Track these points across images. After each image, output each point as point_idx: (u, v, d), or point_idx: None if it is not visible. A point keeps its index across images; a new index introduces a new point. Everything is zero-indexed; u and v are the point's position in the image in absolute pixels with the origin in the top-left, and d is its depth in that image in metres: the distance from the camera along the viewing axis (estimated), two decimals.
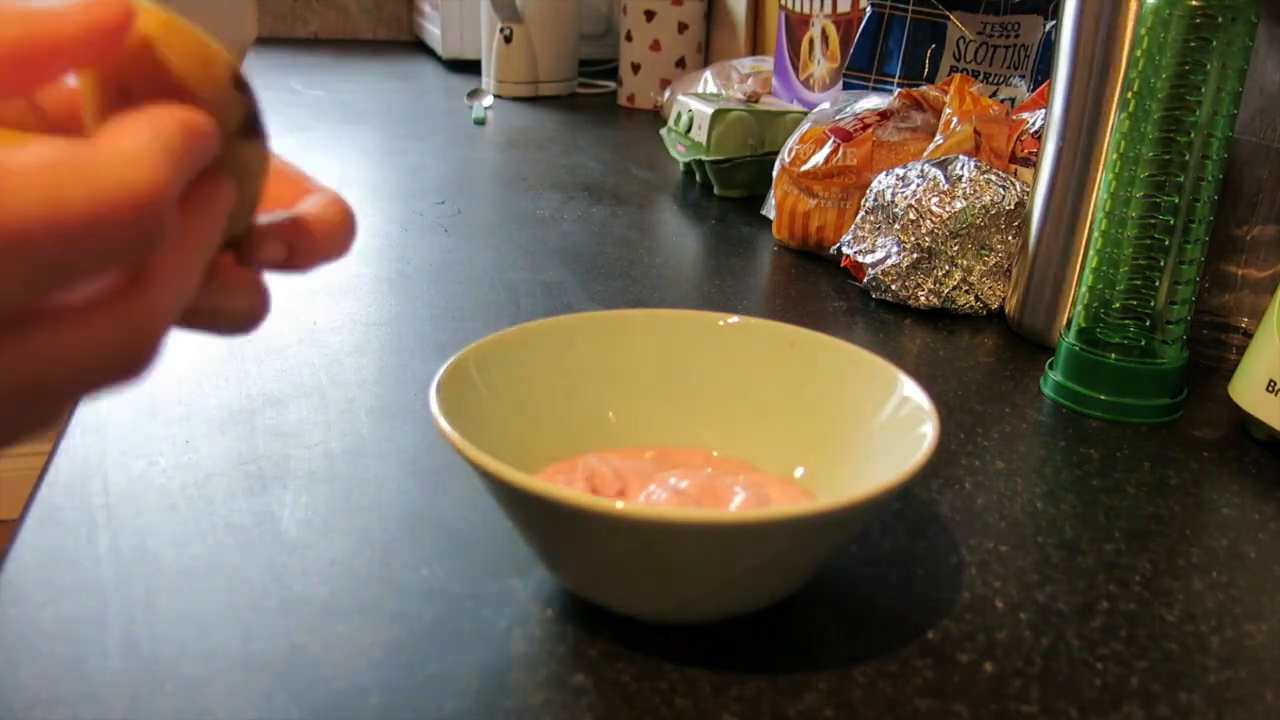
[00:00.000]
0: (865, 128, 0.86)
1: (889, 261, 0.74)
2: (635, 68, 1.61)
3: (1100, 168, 0.65)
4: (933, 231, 0.72)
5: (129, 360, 0.25)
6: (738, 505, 0.42)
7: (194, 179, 0.26)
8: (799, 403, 0.47)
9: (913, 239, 0.73)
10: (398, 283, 0.75)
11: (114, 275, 0.24)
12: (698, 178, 1.12)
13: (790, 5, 1.27)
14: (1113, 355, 0.60)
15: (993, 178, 0.73)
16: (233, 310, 0.30)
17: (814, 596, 0.42)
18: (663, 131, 1.20)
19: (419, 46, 2.16)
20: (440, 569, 0.42)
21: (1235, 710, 0.37)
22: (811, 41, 1.24)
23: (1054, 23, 0.83)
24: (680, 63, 1.61)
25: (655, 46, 1.59)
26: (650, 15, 1.58)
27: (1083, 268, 0.62)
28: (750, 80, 1.32)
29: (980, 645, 0.40)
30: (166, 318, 0.26)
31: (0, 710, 0.34)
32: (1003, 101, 0.90)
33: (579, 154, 1.25)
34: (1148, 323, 0.60)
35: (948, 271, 0.73)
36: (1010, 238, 0.73)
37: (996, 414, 0.60)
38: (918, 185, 0.74)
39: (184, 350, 0.62)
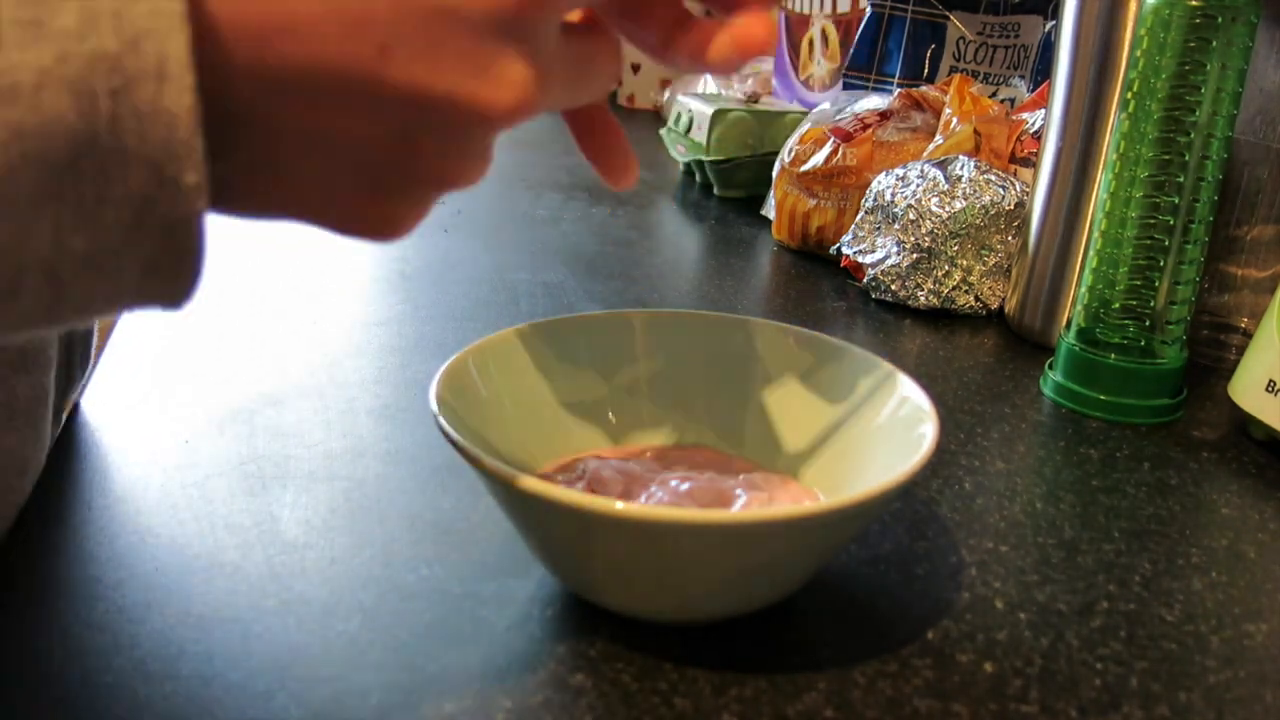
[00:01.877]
0: (865, 128, 0.86)
1: (889, 261, 0.74)
2: (635, 68, 1.61)
3: (1100, 168, 0.65)
4: (932, 231, 0.72)
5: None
6: (739, 507, 0.42)
7: None
8: (799, 403, 0.47)
9: (913, 239, 0.73)
10: (398, 283, 0.75)
11: None
12: (698, 178, 1.12)
13: (790, 5, 1.27)
14: (1112, 355, 0.60)
15: (993, 178, 0.73)
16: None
17: (814, 596, 0.42)
18: (662, 131, 1.20)
19: None
20: (440, 569, 0.42)
21: (1235, 710, 0.37)
22: (811, 41, 1.24)
23: (1054, 23, 0.83)
24: None
25: None
26: None
27: (1083, 268, 0.62)
28: (750, 80, 1.32)
29: (980, 645, 0.40)
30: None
31: (0, 710, 0.34)
32: (1003, 101, 0.90)
33: (579, 154, 1.25)
34: (1148, 323, 0.60)
35: (948, 271, 0.73)
36: (1010, 238, 0.73)
37: (996, 414, 0.60)
38: (918, 185, 0.74)
39: (184, 350, 0.62)
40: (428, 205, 0.28)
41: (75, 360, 0.50)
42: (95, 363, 0.54)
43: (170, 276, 0.25)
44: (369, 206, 0.27)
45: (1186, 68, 0.55)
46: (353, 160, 0.26)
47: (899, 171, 0.76)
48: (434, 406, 0.39)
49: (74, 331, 0.49)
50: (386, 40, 0.25)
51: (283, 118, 0.25)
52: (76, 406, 0.53)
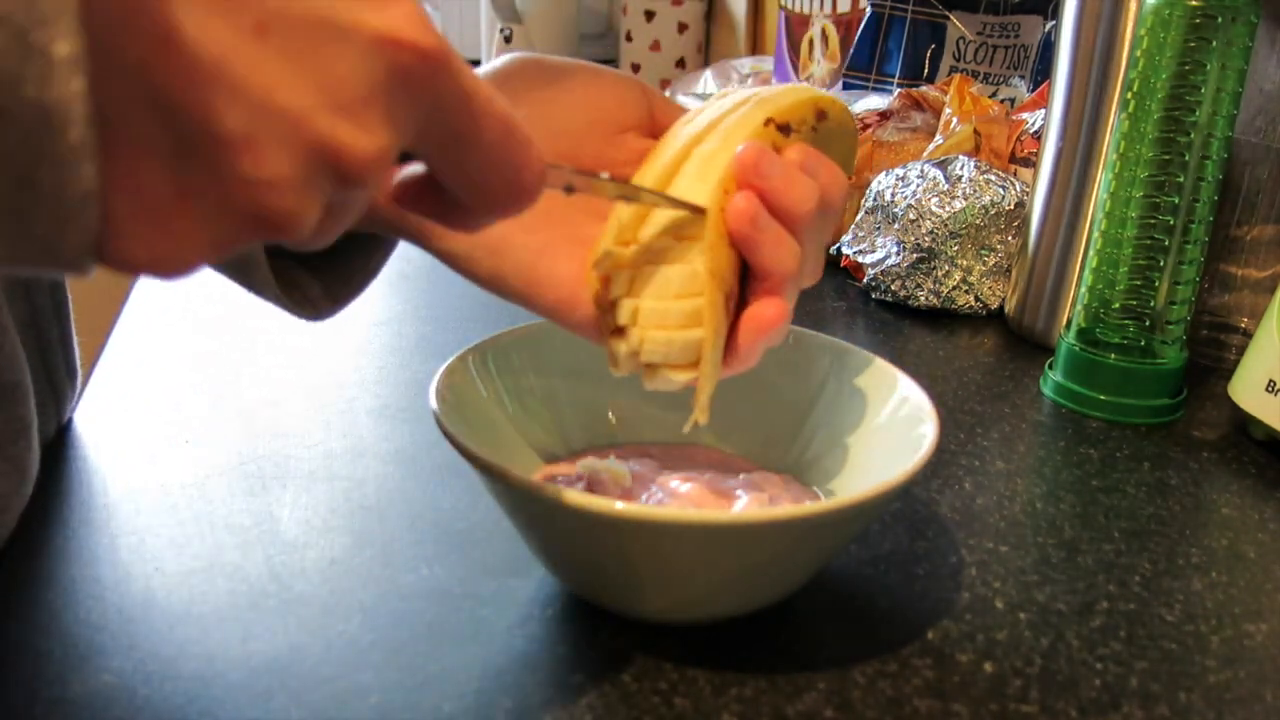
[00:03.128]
0: (865, 128, 0.86)
1: (889, 261, 0.74)
2: (635, 68, 1.61)
3: (1100, 168, 0.65)
4: (933, 231, 0.72)
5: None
6: (740, 507, 0.42)
7: None
8: (799, 403, 0.47)
9: (913, 239, 0.73)
10: (398, 283, 0.75)
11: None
12: None
13: (790, 5, 1.27)
14: (1113, 355, 0.60)
15: (993, 178, 0.73)
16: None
17: (814, 596, 0.42)
18: None
19: None
20: (440, 569, 0.42)
21: (1234, 710, 0.37)
22: (811, 41, 1.24)
23: (1054, 23, 0.83)
24: (680, 63, 1.61)
25: (655, 46, 1.59)
26: (650, 15, 1.58)
27: (1083, 268, 0.62)
28: (750, 80, 1.32)
29: (980, 645, 0.40)
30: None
31: (1, 710, 0.34)
32: (1003, 101, 0.90)
33: None
34: (1148, 323, 0.60)
35: (948, 271, 0.73)
36: (1010, 238, 0.73)
37: (996, 414, 0.60)
38: (918, 185, 0.74)
39: (183, 350, 0.62)
40: (223, 238, 0.22)
41: (60, 380, 0.49)
42: (91, 369, 0.53)
43: (52, 208, 0.20)
44: (168, 204, 0.22)
45: (1186, 68, 0.55)
46: (183, 135, 0.21)
47: (899, 171, 0.76)
48: (434, 406, 0.39)
49: (52, 353, 0.48)
50: (266, 21, 0.21)
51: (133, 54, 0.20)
52: (73, 409, 0.53)
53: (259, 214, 0.22)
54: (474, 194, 0.27)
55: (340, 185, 0.23)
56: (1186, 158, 0.56)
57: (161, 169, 0.21)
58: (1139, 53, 0.56)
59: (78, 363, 0.51)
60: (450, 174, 0.27)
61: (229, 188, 0.22)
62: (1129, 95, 0.57)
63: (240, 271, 0.39)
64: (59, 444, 0.50)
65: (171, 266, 0.22)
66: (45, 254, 0.21)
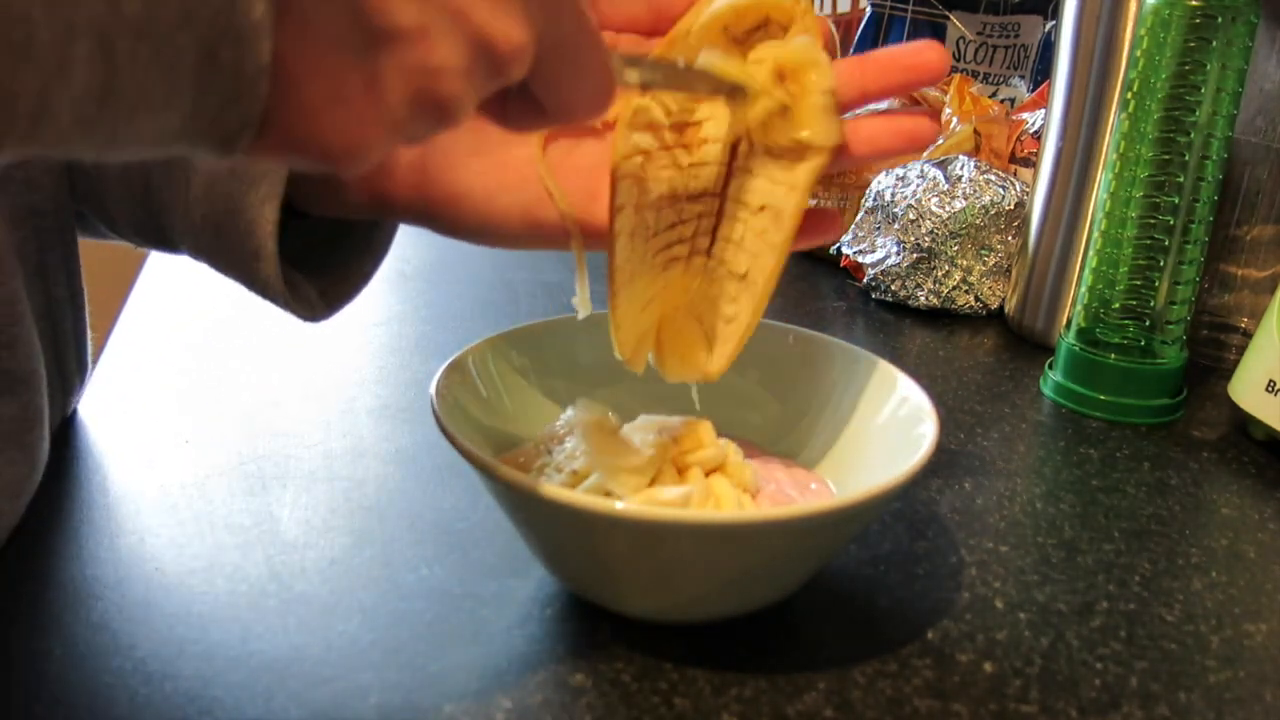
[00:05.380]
0: None
1: (889, 261, 0.74)
2: None
3: (1100, 168, 0.65)
4: (933, 231, 0.72)
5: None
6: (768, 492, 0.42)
7: None
8: (799, 403, 0.47)
9: (913, 239, 0.73)
10: (398, 283, 0.75)
11: None
12: None
13: None
14: (1113, 355, 0.60)
15: (993, 178, 0.73)
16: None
17: (814, 596, 0.42)
18: None
19: None
20: (440, 569, 0.42)
21: (1234, 710, 0.37)
22: None
23: (1054, 23, 0.83)
24: None
25: None
26: None
27: (1083, 268, 0.62)
28: None
29: (980, 645, 0.40)
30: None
31: (1, 710, 0.34)
32: (1003, 101, 0.90)
33: None
34: (1148, 323, 0.60)
35: (948, 271, 0.73)
36: (1010, 238, 0.73)
37: (996, 414, 0.60)
38: (918, 185, 0.74)
39: (184, 350, 0.62)
40: (400, 124, 0.25)
41: (71, 371, 0.49)
42: (93, 366, 0.53)
43: (229, 81, 0.22)
44: (358, 93, 0.24)
45: (1186, 68, 0.55)
46: (366, 28, 0.24)
47: (899, 171, 0.76)
48: (435, 406, 0.39)
49: (65, 344, 0.48)
50: None
51: None
52: (74, 409, 0.53)
53: (430, 99, 0.25)
54: (559, 98, 0.29)
55: (492, 75, 0.26)
56: (1186, 158, 0.56)
57: (351, 60, 0.24)
58: (1139, 53, 0.56)
59: (89, 356, 0.51)
60: (546, 78, 0.29)
61: (407, 76, 0.25)
62: (1129, 95, 0.57)
63: (245, 266, 0.41)
64: (60, 442, 0.50)
65: (356, 152, 0.25)
66: (208, 130, 0.23)
